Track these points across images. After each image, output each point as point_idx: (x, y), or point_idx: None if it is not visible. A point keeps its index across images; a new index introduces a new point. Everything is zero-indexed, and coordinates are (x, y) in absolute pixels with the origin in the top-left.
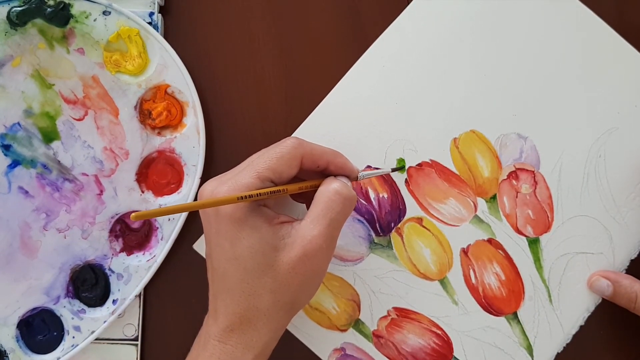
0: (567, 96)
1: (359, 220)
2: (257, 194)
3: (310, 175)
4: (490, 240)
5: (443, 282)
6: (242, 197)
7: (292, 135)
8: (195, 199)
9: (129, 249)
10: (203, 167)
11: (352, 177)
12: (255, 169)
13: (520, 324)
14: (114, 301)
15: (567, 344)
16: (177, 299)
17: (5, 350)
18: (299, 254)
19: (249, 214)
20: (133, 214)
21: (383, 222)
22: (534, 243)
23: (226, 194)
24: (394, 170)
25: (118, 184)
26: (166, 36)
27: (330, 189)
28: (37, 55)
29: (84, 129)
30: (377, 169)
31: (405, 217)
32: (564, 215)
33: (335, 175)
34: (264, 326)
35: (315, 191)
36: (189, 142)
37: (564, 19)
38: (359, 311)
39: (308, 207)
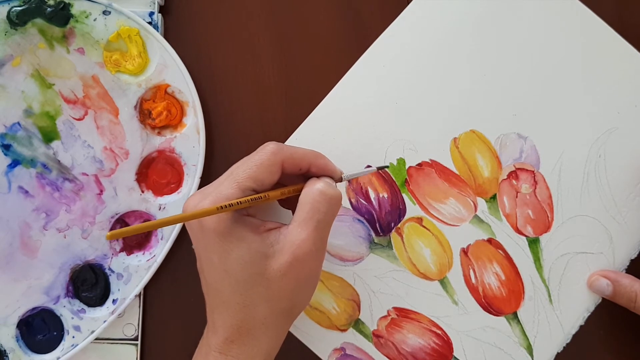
0: (567, 96)
1: (359, 220)
2: (237, 202)
3: (294, 179)
4: (490, 240)
5: (443, 282)
6: (221, 207)
7: (292, 135)
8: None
9: (129, 248)
10: (203, 167)
11: (336, 178)
12: (235, 179)
13: (520, 324)
14: (114, 301)
15: (567, 344)
16: (177, 299)
17: (5, 350)
18: (289, 260)
19: (233, 226)
20: (108, 233)
21: (383, 222)
22: (533, 243)
23: (208, 207)
24: (379, 168)
25: (118, 184)
26: (166, 36)
27: (314, 190)
28: (37, 55)
29: (84, 128)
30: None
31: (405, 217)
32: (563, 215)
33: (318, 177)
34: (264, 335)
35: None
36: (189, 141)
37: (564, 19)
38: (359, 311)
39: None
